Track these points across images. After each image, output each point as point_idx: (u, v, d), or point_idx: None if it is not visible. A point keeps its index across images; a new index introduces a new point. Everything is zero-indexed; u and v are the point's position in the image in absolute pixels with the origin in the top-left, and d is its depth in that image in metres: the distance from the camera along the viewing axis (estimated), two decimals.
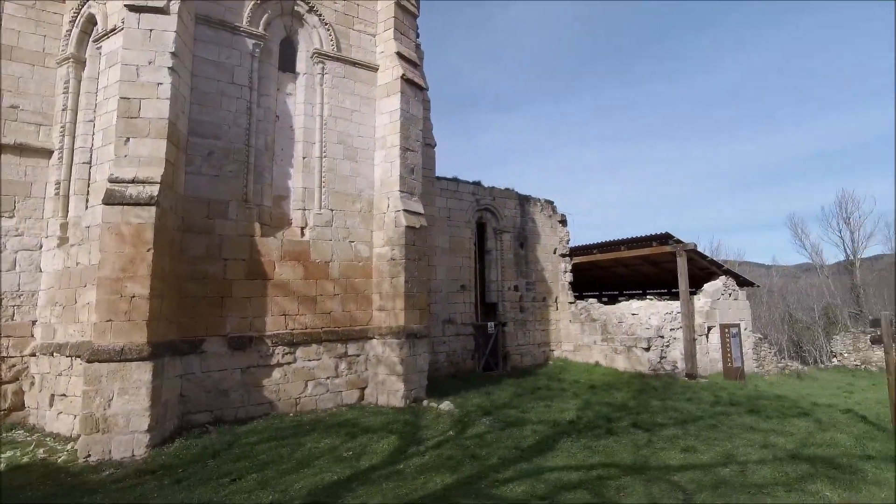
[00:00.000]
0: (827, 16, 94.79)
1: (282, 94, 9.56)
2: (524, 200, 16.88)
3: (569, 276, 18.53)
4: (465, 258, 14.51)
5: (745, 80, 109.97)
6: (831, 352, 24.13)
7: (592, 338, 17.40)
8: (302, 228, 9.36)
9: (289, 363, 8.68)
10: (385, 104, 10.46)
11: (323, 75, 9.88)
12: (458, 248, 14.34)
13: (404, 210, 9.84)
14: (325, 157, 9.71)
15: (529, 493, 4.53)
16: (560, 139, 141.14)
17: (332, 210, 9.70)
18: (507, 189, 16.32)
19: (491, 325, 15.01)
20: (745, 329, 18.43)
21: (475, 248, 15.04)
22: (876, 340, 8.23)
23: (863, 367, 21.01)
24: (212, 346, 7.90)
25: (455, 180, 14.72)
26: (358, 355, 9.62)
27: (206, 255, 8.07)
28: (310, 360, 8.94)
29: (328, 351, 9.20)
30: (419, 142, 10.67)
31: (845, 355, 22.18)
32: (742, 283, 19.20)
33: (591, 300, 18.64)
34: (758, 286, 22.62)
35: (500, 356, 15.10)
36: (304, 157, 9.54)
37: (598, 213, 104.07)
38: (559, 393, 11.52)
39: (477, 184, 15.40)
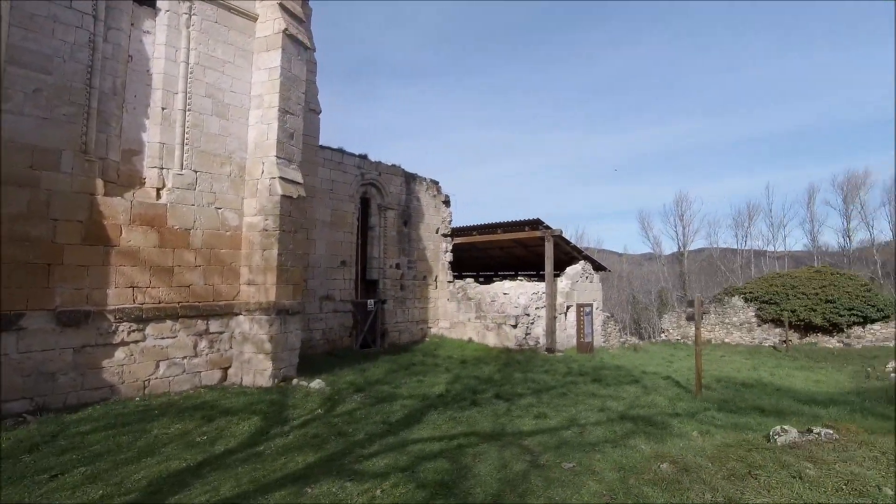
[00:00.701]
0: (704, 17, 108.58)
1: (137, 30, 8.24)
2: (410, 178, 16.92)
3: (449, 256, 19.15)
4: (347, 233, 14.17)
5: (643, 70, 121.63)
6: (661, 328, 28.46)
7: (467, 315, 18.29)
8: (158, 190, 8.28)
9: (136, 341, 7.73)
10: (264, 59, 9.60)
11: (190, 15, 8.72)
12: (340, 223, 13.92)
13: (280, 178, 9.23)
14: (189, 110, 8.65)
15: (392, 466, 4.65)
16: (456, 117, 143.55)
17: (197, 172, 8.73)
18: (393, 165, 16.18)
19: (371, 302, 14.95)
20: (597, 308, 20.88)
21: (358, 223, 14.75)
22: (689, 318, 9.88)
23: (683, 340, 25.22)
24: (34, 321, 6.70)
25: (340, 151, 14.18)
26: (221, 332, 8.92)
27: (27, 213, 6.75)
28: (163, 338, 8.07)
29: (186, 328, 8.38)
30: (301, 105, 10.03)
31: (671, 331, 26.34)
32: (597, 267, 21.62)
33: (468, 280, 19.53)
34: (609, 271, 25.67)
35: (378, 333, 15.15)
36: (163, 108, 8.39)
37: (481, 195, 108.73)
38: (432, 368, 11.95)
39: (363, 157, 15.02)
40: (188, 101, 8.63)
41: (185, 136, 8.59)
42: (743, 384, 12.02)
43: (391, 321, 15.85)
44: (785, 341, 21.95)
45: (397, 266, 16.25)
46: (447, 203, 19.11)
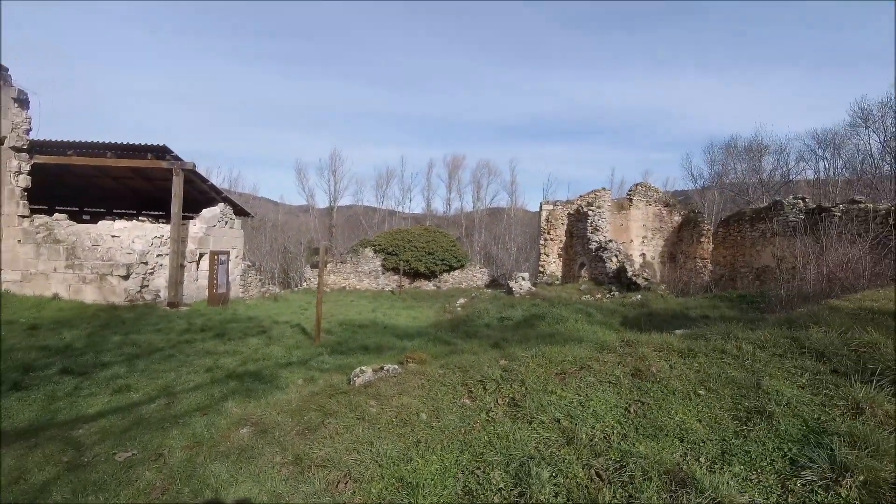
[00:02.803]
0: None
1: None
2: None
3: (24, 180, 13.72)
4: None
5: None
6: (304, 277, 29.62)
7: (53, 264, 13.69)
8: None
9: None
10: None
11: None
12: None
13: None
14: None
15: None
16: None
17: None
18: None
19: None
20: (237, 257, 19.53)
21: None
22: (314, 265, 10.15)
23: (324, 288, 27.03)
24: None
25: None
26: None
27: None
28: None
29: None
30: None
31: (312, 280, 27.73)
32: (239, 212, 20.10)
33: (59, 216, 14.59)
34: (253, 216, 24.48)
35: None
36: None
37: (109, 120, 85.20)
38: None
39: None
40: None
41: None
42: (360, 325, 13.57)
43: None
44: (400, 286, 26.56)
45: None
46: (23, 103, 13.48)
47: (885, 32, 73.29)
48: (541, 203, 26.98)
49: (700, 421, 3.04)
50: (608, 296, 16.84)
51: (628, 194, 25.88)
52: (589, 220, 22.46)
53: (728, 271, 21.78)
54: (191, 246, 16.66)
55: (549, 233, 26.10)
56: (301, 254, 55.43)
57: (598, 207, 23.18)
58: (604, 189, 25.14)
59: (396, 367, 4.60)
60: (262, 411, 4.26)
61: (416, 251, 27.27)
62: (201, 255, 16.89)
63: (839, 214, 16.43)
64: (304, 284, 28.46)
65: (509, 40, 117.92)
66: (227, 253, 17.50)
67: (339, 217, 64.66)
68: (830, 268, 11.59)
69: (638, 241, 25.05)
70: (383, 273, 28.04)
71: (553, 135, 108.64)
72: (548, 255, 25.96)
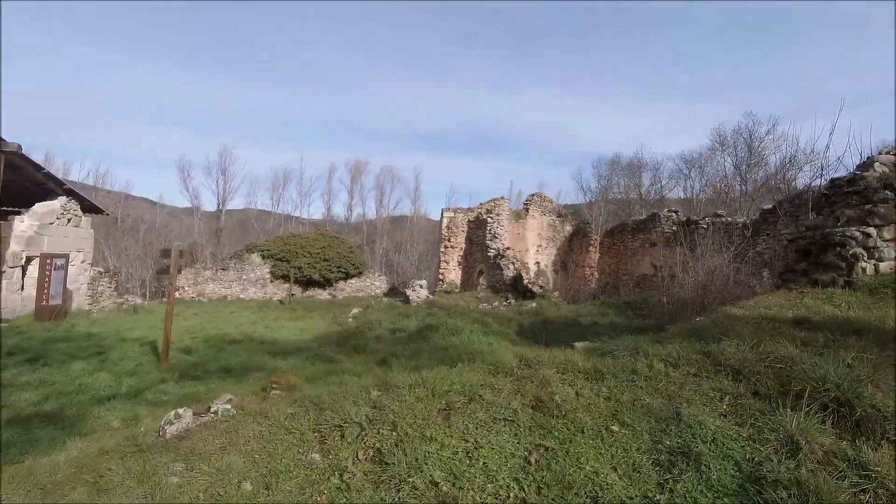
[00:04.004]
0: None
1: None
2: None
3: None
4: None
5: None
6: (178, 287, 26.04)
7: None
8: None
9: None
10: None
11: None
12: None
13: None
14: None
15: None
16: None
17: None
18: None
19: None
20: (84, 261, 16.31)
21: None
22: (162, 271, 8.32)
23: (198, 298, 23.86)
24: None
25: None
26: None
27: None
28: None
29: None
30: None
31: (187, 288, 24.43)
32: (89, 208, 16.85)
33: None
34: (108, 214, 20.93)
35: None
36: None
37: None
38: None
39: None
40: None
41: None
42: (232, 341, 11.73)
43: None
44: (291, 295, 24.39)
45: None
46: None
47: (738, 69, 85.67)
48: (442, 210, 26.60)
49: (616, 469, 2.35)
50: (505, 303, 16.69)
51: (525, 204, 26.49)
52: (488, 228, 22.46)
53: (612, 279, 23.04)
54: (15, 247, 13.45)
55: (449, 240, 25.78)
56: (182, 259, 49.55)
57: (497, 215, 23.33)
58: (503, 198, 25.44)
59: (228, 407, 3.41)
60: (5, 487, 2.82)
61: (311, 258, 25.32)
62: (30, 259, 13.71)
63: (705, 227, 17.99)
64: (178, 294, 24.99)
65: (407, 54, 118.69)
66: (67, 256, 14.41)
67: (228, 220, 59.26)
68: (702, 276, 12.37)
69: (533, 250, 25.69)
70: (272, 281, 25.61)
71: (456, 146, 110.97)
72: (448, 263, 25.61)
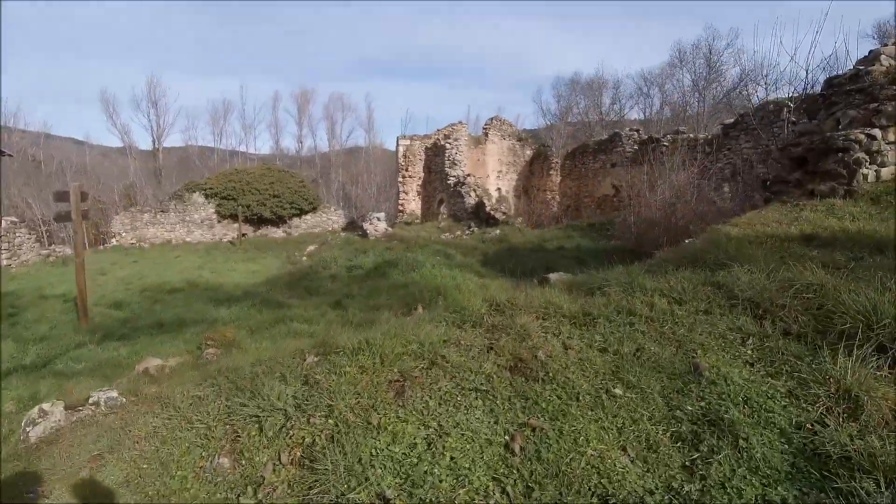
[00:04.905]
0: None
1: None
2: None
3: None
4: None
5: None
6: (115, 233, 23.96)
7: None
8: None
9: None
10: None
11: None
12: None
13: None
14: None
15: None
16: None
17: None
18: None
19: None
20: None
21: None
22: (62, 217, 7.07)
23: (138, 244, 22.05)
24: None
25: None
26: None
27: None
28: None
29: None
30: None
31: (123, 234, 22.49)
32: None
33: None
34: (9, 154, 18.40)
35: None
36: None
37: None
38: None
39: None
40: None
41: None
42: (171, 291, 10.66)
43: None
44: (243, 235, 22.91)
45: None
46: None
47: None
48: (397, 138, 25.03)
49: (626, 450, 1.77)
50: (467, 232, 16.10)
51: (484, 129, 25.24)
52: (447, 155, 21.32)
53: (574, 202, 22.76)
54: None
55: (407, 170, 24.52)
56: (116, 203, 45.73)
57: (456, 141, 22.10)
58: (461, 123, 24.02)
59: (114, 395, 2.61)
60: None
61: (259, 194, 23.57)
62: None
63: (667, 144, 17.56)
64: (114, 241, 23.03)
65: None
66: None
67: (168, 159, 54.69)
68: (668, 194, 12.04)
69: (494, 176, 24.87)
70: (219, 221, 23.89)
71: (410, 73, 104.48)
72: (407, 194, 24.54)
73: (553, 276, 4.48)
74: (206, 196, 23.64)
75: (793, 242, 3.32)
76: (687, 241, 4.05)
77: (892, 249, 2.99)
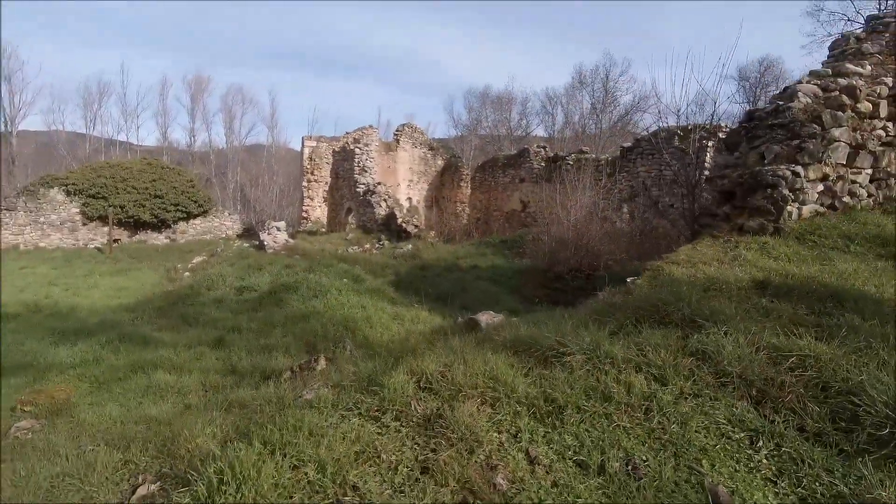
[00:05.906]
0: None
1: None
2: None
3: None
4: None
5: None
6: None
7: None
8: None
9: None
10: None
11: None
12: None
13: None
14: None
15: None
16: None
17: None
18: None
19: None
20: None
21: None
22: None
23: None
24: None
25: None
26: None
27: None
28: None
29: None
30: None
31: None
32: None
33: None
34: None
35: None
36: None
37: None
38: None
39: None
40: None
41: None
42: (7, 315, 8.43)
43: None
44: (114, 241, 19.69)
45: None
46: None
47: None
48: (303, 138, 23.37)
49: None
50: (378, 246, 15.21)
51: (395, 135, 24.51)
52: (356, 161, 20.23)
53: (483, 215, 22.85)
54: None
55: (312, 173, 22.95)
56: None
57: (367, 146, 21.07)
58: (371, 127, 23.03)
59: None
60: None
61: (136, 193, 20.47)
62: None
63: (571, 163, 18.16)
64: None
65: None
66: None
67: (23, 145, 46.24)
68: (579, 214, 12.23)
69: (405, 185, 24.20)
70: (85, 224, 20.37)
71: (319, 68, 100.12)
72: (312, 199, 22.96)
73: (483, 319, 3.84)
74: (69, 193, 20.10)
75: (745, 290, 3.01)
76: (629, 280, 3.64)
77: (848, 300, 2.77)
